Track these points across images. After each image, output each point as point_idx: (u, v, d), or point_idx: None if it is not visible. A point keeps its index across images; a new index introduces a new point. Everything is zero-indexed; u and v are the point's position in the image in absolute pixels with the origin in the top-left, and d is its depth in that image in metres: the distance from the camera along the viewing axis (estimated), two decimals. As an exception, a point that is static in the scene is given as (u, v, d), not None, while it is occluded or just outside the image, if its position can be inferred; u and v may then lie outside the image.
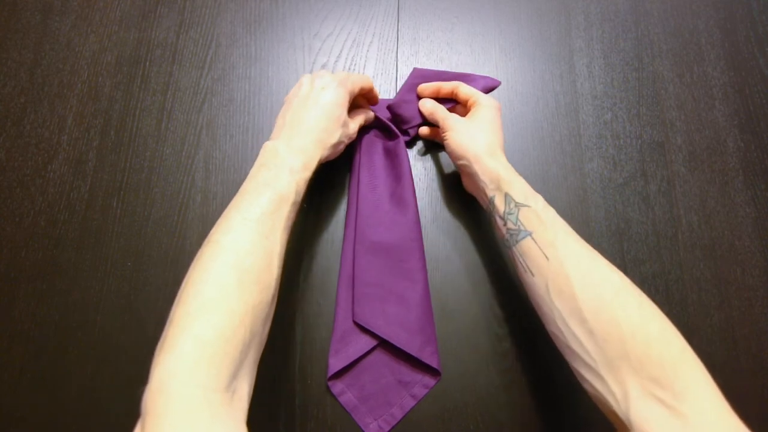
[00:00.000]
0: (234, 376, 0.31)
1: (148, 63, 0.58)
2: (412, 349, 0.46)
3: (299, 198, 0.41)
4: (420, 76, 0.53)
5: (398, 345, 0.46)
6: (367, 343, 0.47)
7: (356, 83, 0.47)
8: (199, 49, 0.59)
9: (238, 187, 0.53)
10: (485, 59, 0.59)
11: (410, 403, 0.47)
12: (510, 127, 0.56)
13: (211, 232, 0.37)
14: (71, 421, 0.46)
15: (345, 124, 0.46)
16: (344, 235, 0.51)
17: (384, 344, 0.48)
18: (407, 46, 0.59)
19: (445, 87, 0.51)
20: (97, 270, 0.50)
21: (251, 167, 0.53)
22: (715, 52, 0.60)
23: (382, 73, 0.58)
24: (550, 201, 0.45)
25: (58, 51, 0.58)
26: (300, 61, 0.58)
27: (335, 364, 0.46)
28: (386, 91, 0.57)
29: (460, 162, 0.47)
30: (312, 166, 0.43)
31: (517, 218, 0.41)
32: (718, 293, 0.51)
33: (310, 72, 0.58)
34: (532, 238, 0.40)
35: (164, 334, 0.32)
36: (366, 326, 0.47)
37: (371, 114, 0.52)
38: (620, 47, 0.60)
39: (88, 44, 0.59)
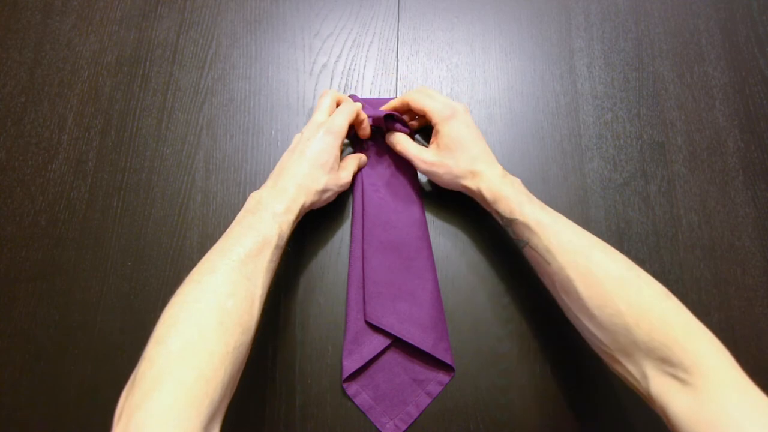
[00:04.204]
0: (211, 418, 0.31)
1: (148, 63, 0.58)
2: (426, 346, 0.46)
3: (282, 242, 0.42)
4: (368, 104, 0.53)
5: (411, 342, 0.46)
6: (381, 342, 0.47)
7: (343, 125, 0.47)
8: (200, 49, 0.59)
9: (239, 187, 0.53)
10: (485, 59, 0.59)
11: (426, 401, 0.47)
12: (510, 127, 0.56)
13: (192, 272, 0.37)
14: (71, 421, 0.46)
15: (333, 170, 0.46)
16: (351, 236, 0.51)
17: (397, 343, 0.48)
18: (407, 46, 0.59)
19: (396, 104, 0.52)
20: (97, 270, 0.50)
21: (251, 167, 0.54)
22: (716, 52, 0.60)
23: (382, 73, 0.58)
24: (550, 201, 0.45)
25: (58, 51, 0.58)
26: (300, 60, 0.58)
27: (350, 365, 0.46)
28: (387, 91, 0.57)
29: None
30: (294, 209, 0.43)
31: (512, 230, 0.44)
32: (718, 293, 0.51)
33: (310, 72, 0.58)
34: (530, 246, 0.42)
35: (140, 372, 0.31)
36: (378, 325, 0.47)
37: (364, 158, 0.53)
38: (620, 47, 0.60)
39: (89, 44, 0.59)
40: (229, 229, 0.41)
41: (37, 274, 0.50)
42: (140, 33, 0.59)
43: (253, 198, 0.43)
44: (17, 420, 0.46)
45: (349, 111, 0.48)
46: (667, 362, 0.34)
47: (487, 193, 0.45)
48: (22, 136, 0.55)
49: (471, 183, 0.46)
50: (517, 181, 0.46)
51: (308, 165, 0.45)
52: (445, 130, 0.47)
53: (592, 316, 0.38)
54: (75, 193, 0.53)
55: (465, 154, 0.46)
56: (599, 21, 0.61)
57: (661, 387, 0.34)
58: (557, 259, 0.40)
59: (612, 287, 0.37)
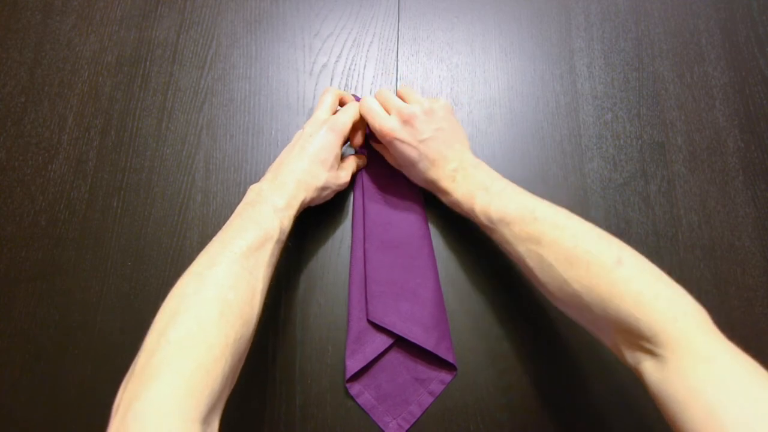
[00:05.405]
0: (211, 410, 0.31)
1: (148, 63, 0.58)
2: (428, 345, 0.46)
3: (283, 236, 0.42)
4: None
5: (414, 341, 0.46)
6: (384, 341, 0.47)
7: (347, 123, 0.47)
8: (200, 49, 0.59)
9: (239, 187, 0.53)
10: (485, 59, 0.59)
11: (428, 400, 0.47)
12: (510, 127, 0.56)
13: (192, 264, 0.37)
14: (71, 421, 0.46)
15: (333, 168, 0.46)
16: (352, 236, 0.51)
17: (399, 343, 0.48)
18: (407, 46, 0.59)
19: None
20: (97, 270, 0.50)
21: (251, 167, 0.54)
22: (715, 52, 0.60)
23: (382, 73, 0.58)
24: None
25: (58, 51, 0.58)
26: (300, 60, 0.58)
27: (353, 365, 0.46)
28: (386, 91, 0.57)
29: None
30: (295, 204, 0.43)
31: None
32: (718, 293, 0.51)
33: (310, 72, 0.58)
34: (493, 240, 0.43)
35: (139, 363, 0.31)
36: (381, 324, 0.47)
37: (364, 159, 0.52)
38: (620, 47, 0.60)
39: (89, 44, 0.59)
40: (228, 222, 0.41)
41: (37, 274, 0.50)
42: (140, 33, 0.59)
43: (253, 190, 0.43)
44: (17, 420, 0.46)
45: (354, 111, 0.48)
46: (631, 334, 0.33)
47: (446, 202, 0.46)
48: (22, 136, 0.55)
49: (435, 193, 0.48)
50: (471, 169, 0.44)
51: (308, 161, 0.45)
52: (391, 151, 0.47)
53: (557, 299, 0.38)
54: (75, 193, 0.53)
55: (414, 169, 0.47)
56: (599, 21, 0.61)
57: (634, 358, 0.34)
58: (515, 249, 0.40)
59: (563, 269, 0.37)
